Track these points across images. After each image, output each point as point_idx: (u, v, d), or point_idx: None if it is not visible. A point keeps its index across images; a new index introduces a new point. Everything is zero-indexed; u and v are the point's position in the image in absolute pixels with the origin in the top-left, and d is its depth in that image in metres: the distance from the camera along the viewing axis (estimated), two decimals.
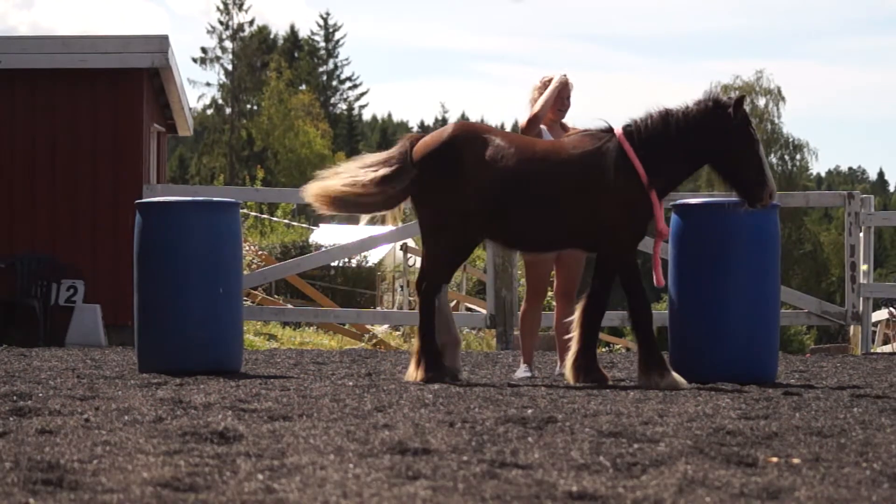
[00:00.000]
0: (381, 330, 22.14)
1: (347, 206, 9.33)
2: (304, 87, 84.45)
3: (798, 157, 61.63)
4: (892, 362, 12.78)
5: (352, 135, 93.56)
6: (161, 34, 16.99)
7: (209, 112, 78.91)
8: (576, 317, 9.36)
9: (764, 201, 9.12)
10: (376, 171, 9.20)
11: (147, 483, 4.43)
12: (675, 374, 8.99)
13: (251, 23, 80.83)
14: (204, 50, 79.16)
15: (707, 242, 9.55)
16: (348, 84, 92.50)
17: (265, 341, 20.17)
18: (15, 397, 7.36)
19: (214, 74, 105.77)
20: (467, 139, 9.14)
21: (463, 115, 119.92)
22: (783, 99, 60.43)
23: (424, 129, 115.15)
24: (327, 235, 39.87)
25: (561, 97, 10.28)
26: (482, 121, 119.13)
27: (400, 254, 29.43)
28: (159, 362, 9.93)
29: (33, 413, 6.55)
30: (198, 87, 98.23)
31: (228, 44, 79.37)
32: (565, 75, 10.30)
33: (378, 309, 29.03)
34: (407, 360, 12.30)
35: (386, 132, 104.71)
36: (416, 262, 27.78)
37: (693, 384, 9.10)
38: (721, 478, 4.70)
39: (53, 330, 15.76)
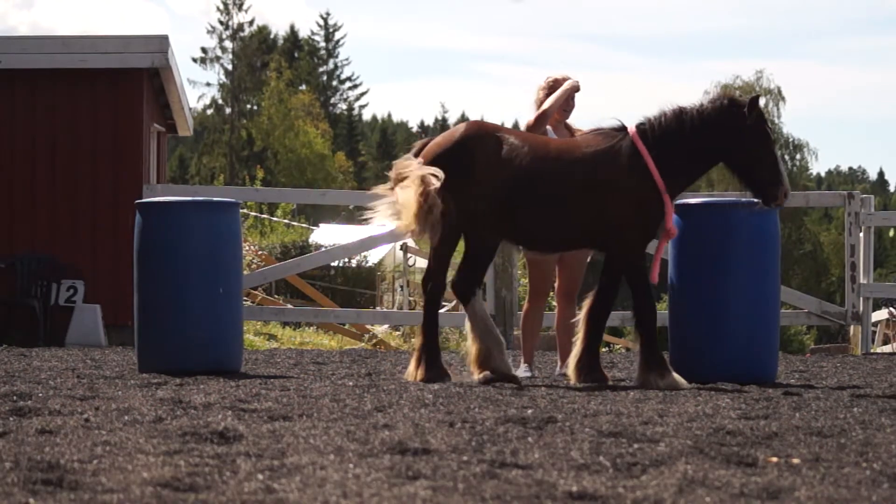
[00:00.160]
0: (381, 330, 22.13)
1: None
2: (304, 87, 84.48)
3: (798, 157, 61.62)
4: (892, 362, 12.78)
5: (352, 135, 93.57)
6: (161, 34, 16.99)
7: (209, 112, 78.94)
8: (581, 315, 9.35)
9: (779, 200, 9.12)
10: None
11: (147, 483, 4.43)
12: (675, 375, 8.99)
13: (251, 23, 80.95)
14: (204, 50, 79.25)
15: (707, 242, 9.55)
16: (348, 84, 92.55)
17: (265, 341, 20.17)
18: (15, 397, 7.36)
19: (214, 74, 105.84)
20: (480, 138, 9.08)
21: (463, 115, 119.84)
22: (783, 99, 60.43)
23: (424, 129, 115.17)
24: (327, 235, 39.89)
25: (567, 99, 10.27)
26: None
27: (400, 254, 29.43)
28: (159, 362, 9.93)
29: (33, 413, 6.55)
30: (198, 87, 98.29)
31: (228, 44, 79.41)
32: (577, 81, 10.29)
33: (378, 309, 29.02)
34: (407, 360, 12.31)
35: (386, 132, 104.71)
36: (416, 262, 27.78)
37: (693, 384, 9.10)
38: (721, 478, 4.71)
39: (53, 330, 15.76)
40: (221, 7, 79.52)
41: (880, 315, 22.86)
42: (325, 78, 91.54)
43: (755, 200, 9.52)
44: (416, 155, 9.22)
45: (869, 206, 15.60)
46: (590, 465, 4.96)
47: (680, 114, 9.10)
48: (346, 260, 34.80)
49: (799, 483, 4.63)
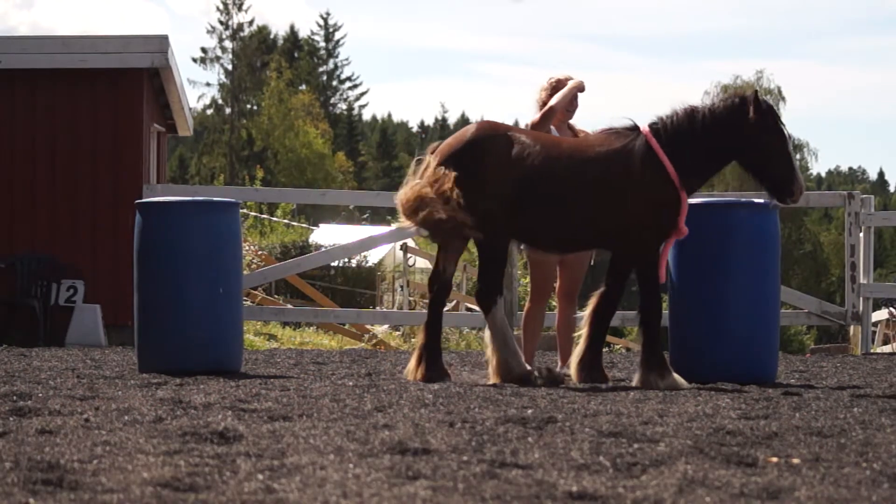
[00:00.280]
0: (381, 330, 22.13)
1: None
2: (304, 87, 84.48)
3: (798, 157, 61.61)
4: (892, 362, 12.78)
5: (352, 135, 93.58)
6: (161, 34, 16.98)
7: (209, 112, 78.94)
8: (586, 314, 9.34)
9: (794, 197, 9.12)
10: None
11: (147, 483, 4.43)
12: (675, 375, 8.98)
13: (251, 23, 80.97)
14: (204, 50, 79.26)
15: (707, 242, 9.54)
16: (348, 84, 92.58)
17: (265, 341, 20.17)
18: (15, 397, 7.36)
19: (214, 74, 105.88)
20: (491, 138, 9.04)
21: (463, 115, 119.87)
22: (783, 99, 60.40)
23: (424, 129, 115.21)
24: (327, 235, 39.90)
25: (571, 99, 10.25)
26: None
27: (400, 254, 29.42)
28: (159, 362, 9.93)
29: (33, 413, 6.54)
30: (198, 87, 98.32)
31: (228, 44, 79.41)
32: (582, 81, 10.27)
33: (378, 309, 29.02)
34: (407, 359, 12.31)
35: (386, 132, 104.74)
36: (417, 262, 27.79)
37: (693, 384, 9.09)
38: (721, 478, 4.70)
39: (53, 330, 15.76)
40: (221, 7, 79.55)
41: (880, 315, 22.86)
42: (325, 78, 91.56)
43: (757, 200, 9.51)
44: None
45: (869, 206, 15.60)
46: (590, 465, 4.96)
47: (692, 113, 9.09)
48: (346, 260, 34.80)
49: (799, 483, 4.63)
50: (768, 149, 9.04)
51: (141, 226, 10.17)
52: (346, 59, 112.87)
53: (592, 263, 10.51)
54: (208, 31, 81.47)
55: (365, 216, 53.79)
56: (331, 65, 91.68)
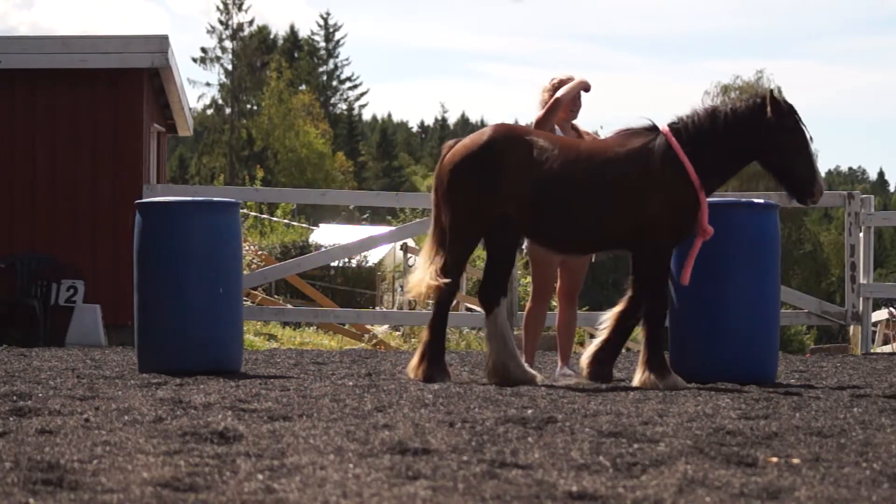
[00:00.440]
0: (381, 330, 22.14)
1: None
2: (304, 87, 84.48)
3: None
4: (892, 362, 12.78)
5: (352, 135, 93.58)
6: (161, 34, 16.98)
7: (209, 112, 78.94)
8: (612, 313, 9.26)
9: (815, 198, 9.12)
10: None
11: (147, 483, 4.43)
12: (675, 375, 8.98)
13: (251, 23, 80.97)
14: (204, 50, 79.25)
15: (707, 242, 9.53)
16: (348, 84, 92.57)
17: (265, 341, 20.17)
18: (15, 397, 7.36)
19: (214, 74, 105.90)
20: (507, 141, 9.01)
21: (463, 115, 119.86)
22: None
23: (424, 129, 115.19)
24: (327, 235, 39.90)
25: (574, 98, 10.25)
26: (482, 121, 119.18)
27: (400, 254, 29.43)
28: (159, 362, 9.93)
29: (33, 413, 6.54)
30: (198, 87, 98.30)
31: (228, 44, 79.40)
32: (587, 81, 10.26)
33: (378, 309, 29.02)
34: (407, 359, 12.30)
35: (386, 132, 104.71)
36: (417, 262, 27.79)
37: (693, 384, 9.09)
38: (721, 478, 4.70)
39: (53, 330, 15.76)
40: (221, 7, 79.54)
41: (880, 315, 22.86)
42: (325, 78, 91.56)
43: (757, 200, 9.51)
44: (443, 157, 9.16)
45: (869, 206, 15.60)
46: (590, 465, 4.96)
47: (714, 113, 9.08)
48: (346, 260, 34.80)
49: (799, 483, 4.63)
50: (789, 149, 9.02)
51: (141, 226, 10.16)
52: (346, 59, 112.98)
53: (593, 261, 10.51)
54: (208, 31, 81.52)
55: (365, 216, 53.80)
56: (331, 65, 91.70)
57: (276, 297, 28.21)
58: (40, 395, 7.57)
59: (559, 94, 10.09)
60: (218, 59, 79.13)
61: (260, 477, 4.59)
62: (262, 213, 39.84)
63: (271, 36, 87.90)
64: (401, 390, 8.21)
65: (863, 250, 15.50)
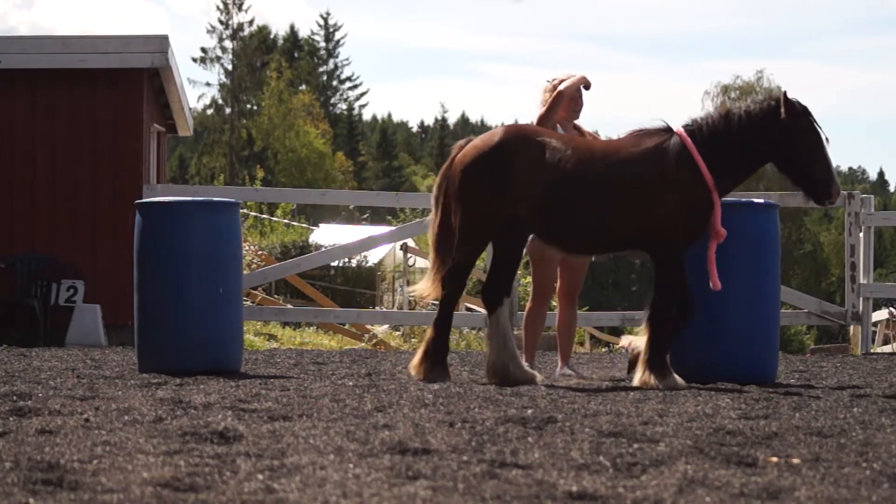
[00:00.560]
0: (381, 330, 22.13)
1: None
2: (304, 87, 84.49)
3: None
4: (892, 362, 12.78)
5: (352, 135, 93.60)
6: (161, 34, 16.98)
7: (209, 112, 78.95)
8: (645, 321, 9.14)
9: (832, 199, 9.12)
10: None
11: (147, 483, 4.43)
12: (675, 376, 8.97)
13: (251, 23, 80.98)
14: (204, 50, 79.26)
15: (707, 242, 9.53)
16: (348, 84, 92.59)
17: (265, 341, 20.17)
18: (15, 397, 7.36)
19: (214, 74, 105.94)
20: (519, 141, 8.99)
21: (463, 115, 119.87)
22: None
23: (424, 129, 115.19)
24: (327, 235, 39.91)
25: (573, 98, 10.24)
26: (482, 121, 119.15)
27: (400, 254, 29.43)
28: (159, 362, 9.93)
29: (33, 413, 6.54)
30: (198, 87, 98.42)
31: (228, 44, 79.41)
32: (587, 77, 10.25)
33: (378, 309, 29.02)
34: (407, 359, 12.30)
35: (386, 132, 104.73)
36: (416, 262, 27.78)
37: (693, 384, 9.09)
38: (721, 478, 4.70)
39: (53, 330, 15.76)
40: (221, 7, 79.55)
41: (880, 315, 22.86)
42: (325, 78, 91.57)
43: (757, 200, 9.50)
44: (455, 157, 9.15)
45: (869, 206, 15.60)
46: (590, 465, 4.96)
47: (728, 115, 9.09)
48: (346, 260, 34.81)
49: (799, 483, 4.63)
50: (804, 150, 9.03)
51: (141, 226, 10.17)
52: (346, 59, 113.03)
53: (592, 261, 10.51)
54: (208, 31, 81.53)
55: (365, 216, 53.82)
56: (331, 65, 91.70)
57: (276, 297, 28.21)
58: (40, 395, 7.57)
59: (562, 87, 10.09)
60: (218, 59, 79.17)
61: (260, 477, 4.59)
62: (262, 213, 39.84)
63: (271, 36, 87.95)
64: (401, 390, 8.21)
65: (863, 250, 15.51)
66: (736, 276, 9.54)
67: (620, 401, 7.71)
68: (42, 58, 16.42)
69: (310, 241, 37.88)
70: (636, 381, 9.03)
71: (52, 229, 16.29)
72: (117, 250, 15.84)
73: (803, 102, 9.13)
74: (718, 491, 4.46)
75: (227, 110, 78.78)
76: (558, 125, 10.12)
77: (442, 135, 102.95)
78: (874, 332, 22.02)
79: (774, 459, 5.20)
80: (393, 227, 24.52)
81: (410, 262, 27.79)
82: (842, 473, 4.86)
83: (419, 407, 7.08)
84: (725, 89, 58.93)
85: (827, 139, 9.12)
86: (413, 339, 21.76)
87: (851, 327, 16.87)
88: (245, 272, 14.08)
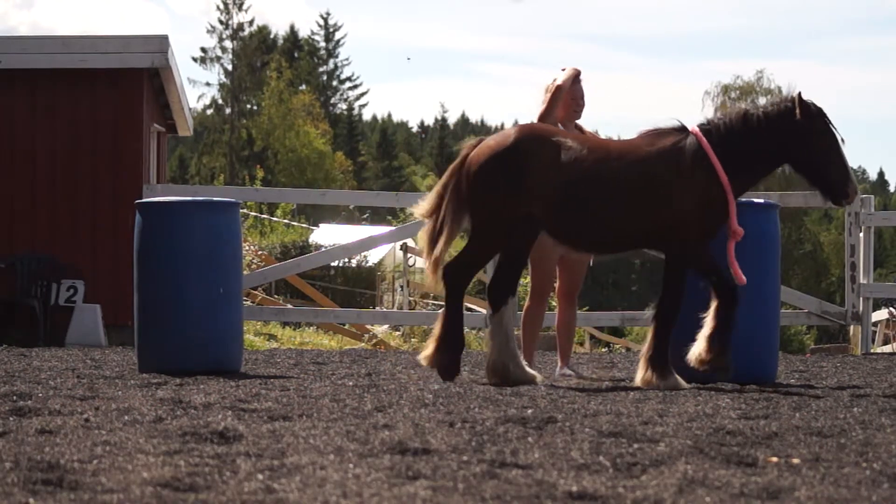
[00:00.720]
0: (381, 330, 22.13)
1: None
2: (304, 87, 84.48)
3: None
4: (892, 362, 12.78)
5: (352, 135, 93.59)
6: (161, 34, 16.98)
7: (209, 112, 78.95)
8: (710, 312, 9.08)
9: (849, 199, 9.13)
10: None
11: (147, 483, 4.43)
12: (676, 376, 8.96)
13: (251, 22, 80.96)
14: (204, 50, 79.25)
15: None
16: (348, 84, 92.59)
17: (265, 341, 20.17)
18: (15, 397, 7.36)
19: (214, 74, 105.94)
20: (534, 141, 8.98)
21: (463, 115, 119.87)
22: None
23: (424, 129, 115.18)
24: (327, 235, 39.93)
25: (575, 97, 10.24)
26: (482, 121, 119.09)
27: (400, 254, 29.42)
28: (159, 362, 9.93)
29: (33, 413, 6.54)
30: (198, 87, 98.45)
31: (228, 44, 79.41)
32: (577, 69, 10.24)
33: (378, 309, 29.02)
34: (406, 360, 12.30)
35: (386, 132, 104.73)
36: (417, 262, 27.79)
37: (693, 384, 9.09)
38: (721, 478, 4.70)
39: (53, 330, 15.76)
40: (221, 7, 79.54)
41: (880, 315, 22.86)
42: (325, 78, 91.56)
43: (757, 200, 9.50)
44: (466, 157, 9.14)
45: (869, 206, 15.60)
46: (590, 465, 4.96)
47: (744, 115, 9.09)
48: (346, 260, 34.82)
49: (799, 483, 4.63)
50: (819, 152, 9.03)
51: (141, 226, 10.17)
52: (346, 59, 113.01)
53: (593, 261, 10.51)
54: (208, 31, 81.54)
55: (365, 216, 53.82)
56: (331, 65, 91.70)
57: (276, 297, 28.21)
58: (40, 395, 7.57)
59: (559, 80, 10.10)
60: (218, 58, 79.17)
61: (260, 477, 4.59)
62: (262, 213, 39.85)
63: (271, 36, 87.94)
64: (401, 390, 8.21)
65: (863, 250, 15.51)
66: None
67: (620, 401, 7.71)
68: (42, 58, 16.42)
69: (310, 241, 37.89)
70: (638, 380, 9.03)
71: (52, 229, 16.29)
72: (117, 250, 15.84)
73: (818, 104, 9.14)
74: (718, 491, 4.46)
75: (227, 110, 78.78)
76: (559, 125, 10.10)
77: (442, 135, 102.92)
78: (874, 332, 22.02)
79: (774, 459, 5.20)
80: (393, 227, 24.52)
81: (410, 262, 27.79)
82: (842, 473, 4.86)
83: (419, 407, 7.08)
84: (726, 89, 59.01)
85: (842, 140, 9.12)
86: (413, 339, 21.75)
87: (851, 327, 16.86)
88: (245, 272, 14.08)
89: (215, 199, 10.64)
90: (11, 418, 6.33)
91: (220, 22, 79.40)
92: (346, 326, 22.06)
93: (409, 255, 27.15)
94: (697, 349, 8.96)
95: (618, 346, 30.16)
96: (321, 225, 46.01)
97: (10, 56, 16.38)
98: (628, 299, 56.60)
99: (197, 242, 10.03)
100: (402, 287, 29.31)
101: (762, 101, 60.27)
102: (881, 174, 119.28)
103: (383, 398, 7.60)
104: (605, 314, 18.48)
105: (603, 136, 9.95)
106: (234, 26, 79.39)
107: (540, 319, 10.41)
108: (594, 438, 5.76)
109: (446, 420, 6.38)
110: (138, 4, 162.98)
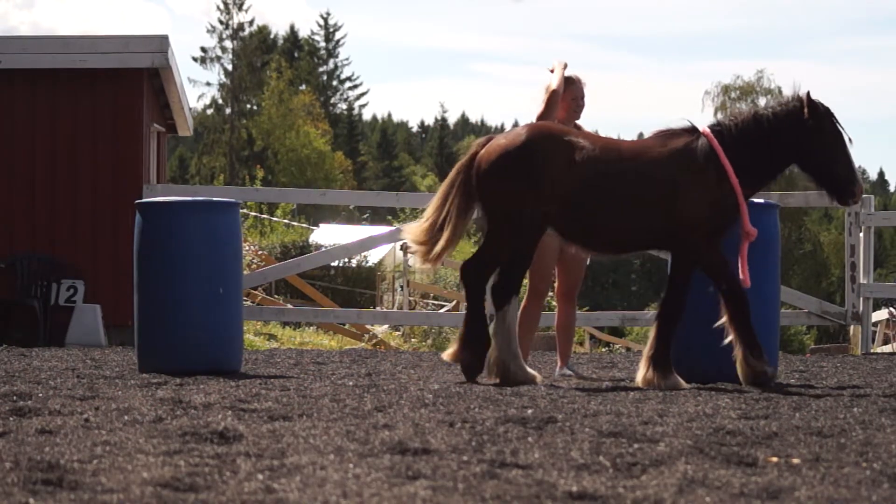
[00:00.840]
0: (381, 330, 22.14)
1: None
2: (304, 86, 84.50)
3: None
4: (892, 362, 12.78)
5: (352, 135, 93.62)
6: (161, 34, 16.97)
7: (209, 112, 78.95)
8: (724, 318, 9.08)
9: (856, 198, 9.14)
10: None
11: (147, 483, 4.43)
12: (676, 376, 8.96)
13: (251, 22, 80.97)
14: (204, 50, 79.27)
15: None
16: (348, 84, 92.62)
17: (265, 341, 20.18)
18: (15, 397, 7.36)
19: (214, 74, 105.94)
20: (546, 140, 8.97)
21: (463, 115, 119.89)
22: None
23: (424, 129, 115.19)
24: (327, 235, 39.94)
25: (575, 97, 10.23)
26: (482, 121, 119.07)
27: (400, 254, 29.43)
28: (159, 362, 9.93)
29: (33, 413, 6.54)
30: (198, 87, 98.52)
31: (228, 43, 79.42)
32: (565, 63, 10.25)
33: (378, 309, 29.02)
34: (406, 360, 12.30)
35: (386, 132, 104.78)
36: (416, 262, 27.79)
37: (693, 384, 9.09)
38: (721, 478, 4.70)
39: (53, 330, 15.76)
40: (221, 7, 79.56)
41: (880, 315, 22.85)
42: (325, 78, 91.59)
43: (757, 200, 9.50)
44: (475, 155, 9.13)
45: (869, 206, 15.60)
46: (590, 465, 4.96)
47: (755, 116, 9.10)
48: (346, 260, 34.84)
49: (799, 483, 4.63)
50: (827, 151, 9.04)
51: (141, 226, 10.16)
52: (346, 59, 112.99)
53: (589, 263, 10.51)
54: (208, 31, 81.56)
55: (365, 216, 53.85)
56: (331, 65, 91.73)
57: (276, 297, 28.22)
58: (40, 395, 7.57)
59: (553, 85, 10.09)
60: (218, 58, 79.18)
61: (260, 477, 4.59)
62: (262, 213, 39.87)
63: (271, 36, 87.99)
64: (401, 390, 8.21)
65: (863, 250, 15.50)
66: (736, 276, 9.52)
67: (620, 401, 7.71)
68: (42, 58, 16.41)
69: (310, 241, 37.91)
70: (639, 379, 9.02)
71: (52, 229, 16.29)
72: (117, 250, 15.84)
73: (825, 104, 9.16)
74: (718, 491, 4.46)
75: (227, 110, 78.78)
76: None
77: (442, 135, 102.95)
78: (874, 332, 22.01)
79: (774, 459, 5.20)
80: (393, 227, 24.53)
81: (410, 262, 27.81)
82: (842, 473, 4.86)
83: (419, 407, 7.08)
84: (726, 89, 58.97)
85: (850, 140, 9.13)
86: (413, 339, 21.77)
87: (851, 327, 16.86)
88: (245, 272, 14.08)
89: (215, 199, 10.63)
90: (11, 418, 6.33)
91: (221, 22, 79.46)
92: (346, 326, 22.07)
93: (409, 255, 27.17)
94: (742, 372, 8.94)
95: (618, 346, 30.17)
96: (321, 225, 46.04)
97: (10, 56, 16.38)
98: (628, 299, 56.58)
99: (197, 242, 10.03)
100: (402, 287, 29.32)
101: (762, 101, 60.37)
102: (881, 174, 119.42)
103: (383, 398, 7.60)
104: (605, 314, 18.47)
105: (603, 136, 9.91)
106: (235, 26, 79.41)
107: (536, 319, 10.40)
108: (594, 438, 5.76)
109: (446, 420, 6.38)
110: (138, 4, 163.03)
